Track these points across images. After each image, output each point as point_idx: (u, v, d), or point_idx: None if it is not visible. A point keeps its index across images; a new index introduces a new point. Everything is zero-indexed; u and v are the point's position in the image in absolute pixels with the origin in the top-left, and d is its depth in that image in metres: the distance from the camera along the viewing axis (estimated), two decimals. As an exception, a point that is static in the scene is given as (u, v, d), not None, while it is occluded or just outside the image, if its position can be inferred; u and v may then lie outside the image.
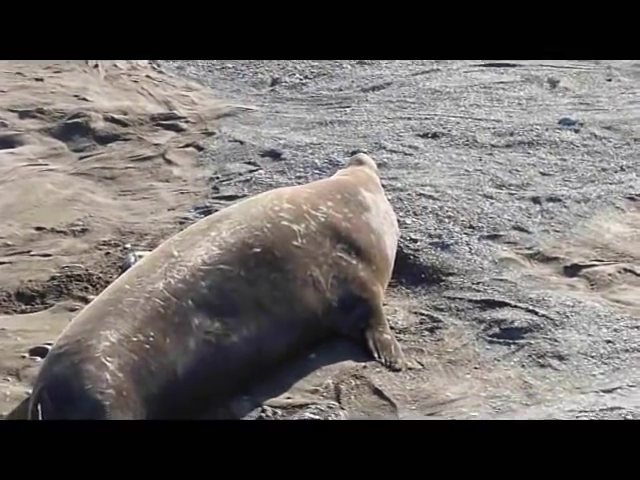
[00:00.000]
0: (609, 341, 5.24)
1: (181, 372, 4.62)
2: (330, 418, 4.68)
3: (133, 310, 4.65)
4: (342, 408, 4.78)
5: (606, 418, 4.64)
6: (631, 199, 6.52)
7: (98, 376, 4.40)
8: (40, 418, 4.34)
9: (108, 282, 5.23)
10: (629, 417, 4.69)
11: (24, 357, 5.14)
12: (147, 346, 4.56)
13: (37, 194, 6.69)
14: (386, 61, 8.64)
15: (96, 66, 8.57)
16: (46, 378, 4.52)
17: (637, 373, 5.00)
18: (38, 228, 6.28)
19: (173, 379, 4.60)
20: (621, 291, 5.68)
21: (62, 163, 7.13)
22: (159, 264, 4.89)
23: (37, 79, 8.30)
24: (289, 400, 4.83)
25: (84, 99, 7.93)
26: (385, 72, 8.45)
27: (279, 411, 4.74)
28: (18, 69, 8.48)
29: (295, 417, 4.68)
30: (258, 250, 5.04)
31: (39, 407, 4.33)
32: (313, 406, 4.78)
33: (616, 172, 6.85)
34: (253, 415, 4.73)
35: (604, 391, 4.88)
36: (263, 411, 4.74)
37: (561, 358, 5.13)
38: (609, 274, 5.81)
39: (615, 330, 5.33)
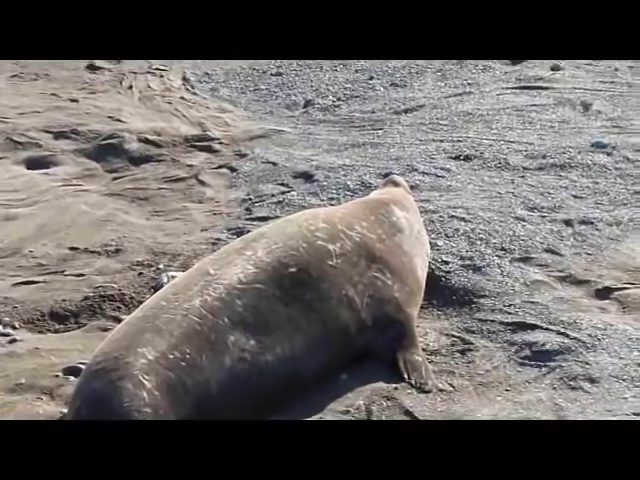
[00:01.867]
0: (641, 364, 5.25)
1: (216, 389, 4.64)
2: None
3: (170, 327, 4.66)
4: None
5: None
6: (666, 222, 6.53)
7: (136, 394, 4.42)
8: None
9: (141, 302, 5.23)
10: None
11: (57, 376, 5.14)
12: (183, 363, 4.58)
13: (71, 214, 6.71)
14: (418, 83, 8.65)
15: (130, 87, 8.60)
16: (84, 395, 4.53)
17: (665, 397, 5.01)
18: (72, 248, 6.30)
19: (208, 396, 4.62)
20: (654, 314, 5.68)
21: (96, 184, 7.15)
22: (195, 282, 4.91)
23: (72, 100, 8.32)
24: (322, 418, 4.82)
25: (118, 120, 7.94)
26: (417, 94, 8.46)
27: (313, 430, 4.76)
28: (53, 90, 8.51)
29: (327, 438, 4.70)
30: (294, 270, 5.05)
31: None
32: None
33: (649, 195, 6.85)
34: (285, 433, 4.74)
35: (635, 414, 4.88)
36: (296, 430, 4.76)
37: (592, 381, 5.12)
38: (641, 298, 5.81)
39: (647, 353, 5.33)
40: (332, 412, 4.89)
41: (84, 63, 8.98)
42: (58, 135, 7.72)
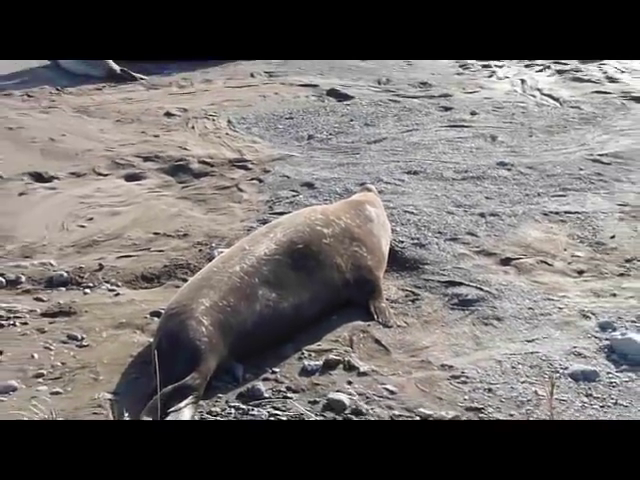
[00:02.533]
0: (530, 308, 5.24)
1: (250, 326, 4.65)
2: (346, 359, 4.68)
3: (219, 285, 4.68)
4: (353, 352, 4.78)
5: (528, 361, 4.65)
6: (545, 215, 6.50)
7: (197, 329, 4.44)
8: (156, 359, 4.29)
9: (200, 268, 5.24)
10: (543, 359, 4.69)
11: (146, 317, 5.14)
12: (228, 309, 4.60)
13: (154, 211, 6.71)
14: (383, 123, 8.66)
15: (193, 127, 8.58)
16: (163, 330, 4.56)
17: (548, 330, 5.01)
18: (155, 233, 6.30)
19: (245, 331, 4.63)
20: (538, 275, 5.66)
21: (171, 191, 7.14)
22: (236, 255, 4.93)
23: (155, 135, 8.30)
24: (319, 346, 4.84)
25: (185, 149, 7.93)
26: (382, 131, 8.45)
27: (313, 354, 4.75)
28: (142, 129, 8.50)
29: (323, 359, 4.67)
30: (301, 246, 5.07)
31: (157, 351, 4.33)
32: (335, 351, 4.78)
33: (534, 197, 6.83)
34: (295, 357, 4.72)
35: (526, 341, 4.91)
36: (302, 354, 4.74)
37: (499, 319, 5.14)
38: (530, 264, 5.78)
39: (534, 301, 5.32)
40: (327, 341, 4.92)
41: (163, 111, 8.96)
42: (146, 159, 7.71)
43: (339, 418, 4.19)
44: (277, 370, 4.60)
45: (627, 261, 5.84)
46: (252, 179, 7.27)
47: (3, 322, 5.11)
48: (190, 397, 4.21)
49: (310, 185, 7.05)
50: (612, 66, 10.71)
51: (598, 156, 7.66)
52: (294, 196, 6.86)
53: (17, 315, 5.18)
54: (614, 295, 5.40)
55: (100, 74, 10.15)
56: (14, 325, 5.09)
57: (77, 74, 10.20)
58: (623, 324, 5.02)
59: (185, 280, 5.36)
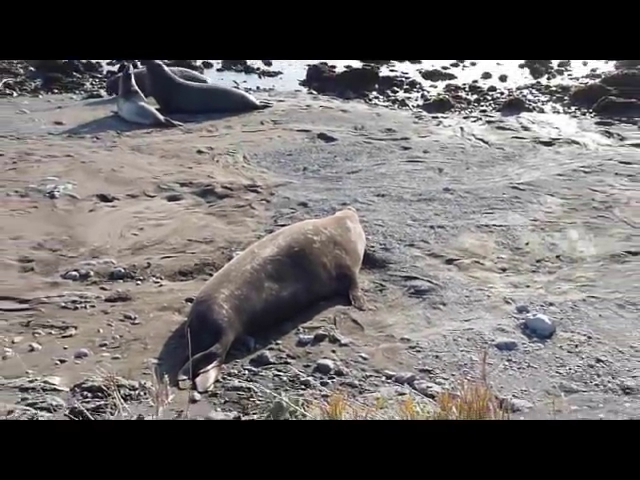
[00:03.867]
0: (467, 296, 5.24)
1: (259, 310, 4.63)
2: (331, 334, 4.67)
3: (235, 279, 4.66)
4: (337, 329, 4.77)
5: (465, 335, 4.66)
6: (478, 227, 6.49)
7: (219, 312, 4.42)
8: (189, 334, 4.24)
9: (222, 266, 5.19)
10: (476, 333, 4.70)
11: (182, 303, 5.10)
12: (242, 296, 4.58)
13: (189, 223, 6.68)
14: (359, 158, 8.68)
15: (217, 161, 8.56)
16: (194, 312, 4.54)
17: (480, 312, 5.01)
18: (189, 240, 6.26)
19: (255, 313, 4.61)
20: (473, 272, 5.66)
21: (201, 208, 7.11)
22: (248, 256, 4.91)
23: (189, 167, 8.28)
24: (311, 324, 4.83)
25: (212, 177, 7.91)
26: (358, 164, 8.45)
27: (306, 330, 4.74)
28: (180, 162, 8.48)
29: (313, 334, 4.66)
30: (297, 249, 5.05)
31: (189, 327, 4.32)
32: (323, 327, 4.78)
33: (470, 214, 6.83)
34: (292, 332, 4.72)
35: (464, 320, 4.90)
36: (298, 330, 4.74)
37: (444, 304, 5.13)
38: (467, 263, 5.78)
39: (470, 291, 5.32)
40: (317, 320, 4.92)
41: (195, 149, 8.94)
42: (182, 184, 7.69)
43: (325, 378, 4.18)
44: (279, 342, 4.59)
45: (537, 261, 5.86)
46: (261, 200, 7.24)
47: (77, 305, 5.08)
48: (215, 362, 4.20)
49: (304, 204, 7.02)
50: (525, 118, 10.76)
51: (516, 184, 7.68)
52: (292, 213, 6.83)
53: (87, 300, 5.15)
54: (528, 286, 5.42)
55: (149, 122, 10.12)
56: (85, 308, 5.06)
57: (132, 122, 10.17)
58: (534, 308, 5.05)
59: (211, 275, 5.33)
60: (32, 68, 13.70)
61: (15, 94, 12.06)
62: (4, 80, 12.73)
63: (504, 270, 5.71)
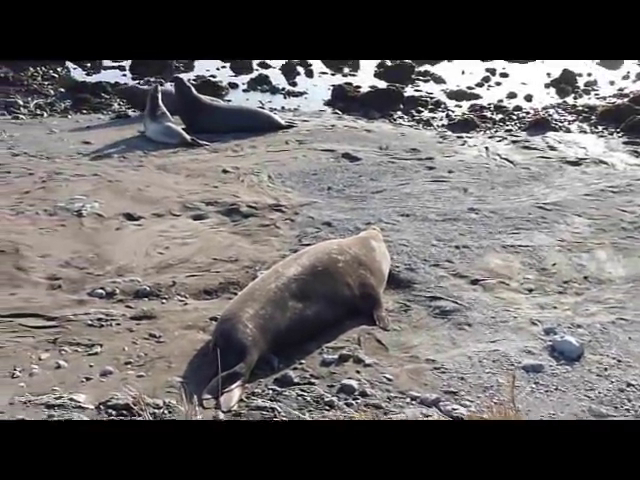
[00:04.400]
0: (493, 317, 5.21)
1: (283, 329, 4.63)
2: (355, 354, 4.65)
3: (260, 297, 4.67)
4: (361, 349, 4.76)
5: (491, 357, 4.63)
6: (503, 247, 6.45)
7: (243, 331, 4.43)
8: (212, 352, 4.28)
9: (246, 285, 5.20)
10: (502, 355, 4.66)
11: (207, 321, 5.11)
12: (267, 315, 4.58)
13: (213, 242, 6.71)
14: (384, 178, 8.67)
15: (242, 180, 8.60)
16: (219, 331, 4.54)
17: (506, 333, 4.97)
18: (214, 259, 6.29)
19: (279, 332, 4.61)
20: (498, 292, 5.62)
21: (226, 227, 7.13)
22: (272, 275, 4.92)
23: (214, 187, 8.33)
24: (335, 344, 4.81)
25: (237, 196, 7.94)
26: (382, 184, 8.43)
27: (330, 350, 4.73)
28: (206, 182, 8.51)
29: (338, 354, 4.65)
30: (321, 269, 5.04)
31: (214, 345, 4.33)
32: (347, 347, 4.76)
33: (496, 234, 6.78)
34: (316, 352, 4.70)
35: (490, 342, 4.87)
36: (322, 349, 4.72)
37: (469, 325, 5.10)
38: (492, 284, 5.74)
39: (496, 312, 5.28)
40: (341, 340, 4.90)
41: (221, 169, 8.99)
42: (208, 203, 7.73)
43: (350, 399, 4.16)
44: (303, 362, 4.58)
45: (564, 282, 5.79)
46: (286, 219, 7.25)
47: (103, 323, 5.12)
48: (239, 381, 4.21)
49: (329, 224, 7.01)
50: (552, 138, 10.69)
51: (542, 204, 7.62)
52: (317, 232, 6.84)
53: (113, 318, 5.19)
54: (555, 308, 5.36)
55: (176, 142, 10.21)
56: (110, 325, 5.10)
57: (159, 142, 10.27)
58: (562, 329, 4.99)
59: (235, 294, 5.34)
60: (62, 89, 13.94)
61: (45, 115, 12.27)
62: (35, 101, 12.96)
63: (530, 291, 5.65)
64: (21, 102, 12.77)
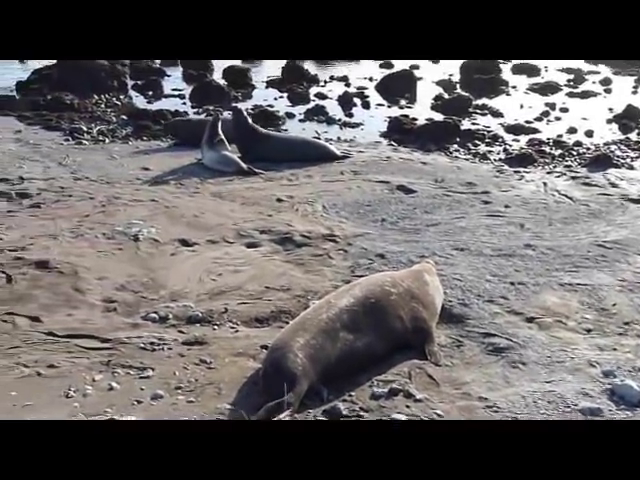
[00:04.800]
0: (548, 357, 5.09)
1: (333, 360, 4.62)
2: (405, 388, 4.61)
3: (311, 328, 4.66)
4: (412, 383, 4.70)
5: (546, 397, 4.53)
6: (561, 285, 6.32)
7: (294, 360, 4.42)
8: (262, 381, 4.30)
9: (298, 315, 5.21)
10: (558, 396, 4.56)
11: (257, 349, 5.14)
12: (317, 346, 4.57)
13: (266, 270, 6.76)
14: (438, 211, 8.61)
15: (297, 210, 8.66)
16: (269, 360, 4.55)
17: (562, 374, 4.85)
18: (266, 287, 6.33)
19: (329, 363, 4.60)
20: (555, 331, 5.50)
21: (279, 256, 7.18)
22: (324, 305, 4.91)
23: (269, 215, 8.40)
24: (385, 377, 4.77)
25: (290, 225, 7.99)
26: (437, 217, 8.38)
27: (381, 383, 4.69)
28: (260, 210, 8.60)
29: (388, 387, 4.61)
30: (373, 300, 5.02)
31: (264, 374, 4.35)
32: (397, 381, 4.71)
33: (553, 271, 6.66)
34: (366, 384, 4.67)
35: (545, 382, 4.76)
36: (372, 382, 4.69)
37: (524, 364, 5.00)
38: (549, 322, 5.62)
39: (552, 351, 5.17)
40: (391, 373, 4.86)
41: (275, 197, 9.09)
42: (262, 232, 7.80)
43: (399, 433, 4.11)
44: (353, 394, 4.55)
45: (625, 324, 5.64)
46: (339, 250, 7.25)
47: (155, 347, 5.20)
48: (287, 410, 4.19)
49: (382, 256, 6.99)
50: (613, 175, 10.49)
51: (602, 242, 7.45)
52: (370, 264, 6.82)
53: (165, 342, 5.26)
54: (615, 349, 5.21)
55: (231, 170, 10.38)
56: (162, 350, 5.17)
57: (215, 169, 10.46)
58: (622, 372, 4.85)
59: (287, 323, 5.37)
60: (124, 116, 14.36)
61: (107, 140, 12.64)
62: (98, 127, 13.38)
63: (589, 331, 5.52)
64: (85, 128, 13.21)
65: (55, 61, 16.90)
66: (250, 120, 11.54)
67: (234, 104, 12.46)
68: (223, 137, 10.88)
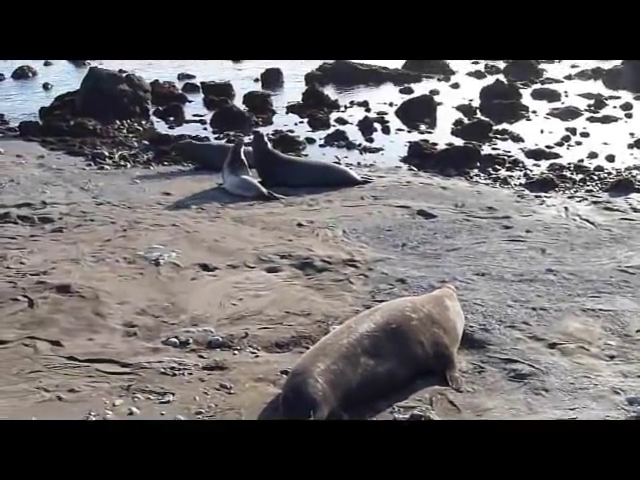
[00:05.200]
0: (572, 383, 5.05)
1: (354, 385, 4.61)
2: (427, 414, 4.58)
3: (332, 353, 4.66)
4: (433, 409, 4.68)
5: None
6: (583, 310, 6.27)
7: (314, 386, 4.42)
8: (282, 406, 4.30)
9: (318, 340, 5.22)
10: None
11: (278, 374, 5.15)
12: (338, 371, 4.57)
13: (287, 295, 6.77)
14: (458, 236, 8.58)
15: (317, 235, 8.67)
16: (289, 385, 4.55)
17: (585, 401, 4.81)
18: (287, 312, 6.34)
19: (350, 389, 4.59)
20: (578, 357, 5.46)
21: (299, 281, 7.19)
22: (344, 331, 4.92)
23: (289, 240, 8.43)
24: (406, 403, 4.76)
25: (310, 250, 8.01)
26: (457, 242, 8.36)
27: (401, 409, 4.68)
28: (280, 235, 8.65)
29: (409, 413, 4.60)
30: (394, 326, 5.02)
31: (284, 399, 4.35)
32: (418, 407, 4.69)
33: (575, 297, 6.61)
34: (387, 410, 4.66)
35: (569, 409, 4.72)
36: (393, 408, 4.68)
37: (546, 390, 4.96)
38: (571, 348, 5.58)
39: (575, 377, 5.13)
40: (412, 399, 4.84)
41: (296, 222, 9.13)
42: (282, 257, 7.81)
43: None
44: (374, 420, 4.54)
45: (650, 350, 5.59)
46: (360, 275, 7.25)
47: (175, 372, 5.22)
48: (308, 437, 4.19)
49: (403, 281, 6.99)
50: (635, 200, 10.43)
51: (625, 267, 7.39)
52: (391, 289, 6.82)
53: (185, 367, 5.28)
54: (639, 376, 5.15)
55: (252, 195, 10.45)
56: (183, 375, 5.19)
57: (236, 194, 10.54)
58: (647, 400, 4.79)
59: (307, 348, 5.36)
60: (145, 141, 14.54)
61: (129, 165, 12.79)
62: (120, 152, 13.55)
63: (612, 358, 5.46)
64: (107, 153, 13.37)
65: (78, 87, 17.18)
66: (270, 145, 11.64)
67: (255, 129, 12.54)
68: (245, 162, 10.98)
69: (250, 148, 11.50)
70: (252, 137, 11.80)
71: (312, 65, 21.85)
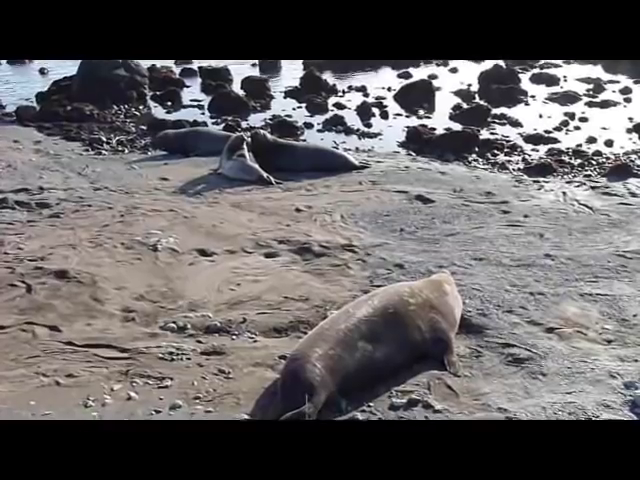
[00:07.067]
0: (569, 367, 5.05)
1: (351, 370, 4.61)
2: (424, 399, 4.60)
3: (329, 338, 4.67)
4: (430, 394, 4.69)
5: (567, 409, 4.50)
6: (581, 295, 6.28)
7: (312, 370, 4.42)
8: (280, 391, 4.33)
9: (316, 325, 5.21)
10: (579, 408, 4.52)
11: (276, 359, 5.15)
12: (336, 356, 4.57)
13: (285, 280, 6.78)
14: (457, 221, 8.57)
15: (315, 220, 8.66)
16: (287, 370, 4.55)
17: (582, 385, 4.81)
18: (285, 297, 6.34)
19: (347, 373, 4.59)
20: (575, 342, 5.46)
21: (297, 266, 7.19)
22: (342, 315, 4.92)
23: (287, 225, 8.42)
24: (404, 388, 4.76)
25: (309, 235, 8.00)
26: (456, 227, 8.35)
27: (399, 393, 4.68)
28: (279, 220, 8.63)
29: (406, 398, 4.60)
30: (391, 311, 5.02)
31: (282, 384, 4.36)
32: (416, 392, 4.70)
33: (573, 281, 6.62)
34: (385, 395, 4.66)
35: (566, 393, 4.72)
36: (391, 393, 4.69)
37: (544, 375, 4.97)
38: (569, 333, 5.59)
39: (572, 362, 5.13)
40: (410, 384, 4.84)
41: (294, 207, 9.11)
42: (280, 242, 7.81)
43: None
44: (372, 404, 4.55)
45: (647, 335, 5.60)
46: (358, 260, 7.25)
47: (174, 357, 5.23)
48: (306, 421, 4.20)
49: (401, 266, 6.99)
50: (634, 184, 10.41)
51: (623, 252, 7.39)
52: (388, 274, 6.82)
53: (184, 352, 5.29)
54: (636, 361, 5.16)
55: (253, 179, 10.41)
56: (181, 359, 5.20)
57: (236, 179, 10.49)
58: (643, 384, 4.80)
59: (305, 333, 5.37)
60: (143, 127, 14.48)
61: (126, 151, 12.74)
62: (117, 138, 13.50)
63: (609, 342, 5.47)
64: (104, 138, 13.33)
65: (75, 72, 17.09)
66: (269, 135, 11.58)
67: (254, 131, 12.19)
68: (246, 152, 10.91)
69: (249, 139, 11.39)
70: (252, 137, 11.57)
71: (310, 49, 21.73)
